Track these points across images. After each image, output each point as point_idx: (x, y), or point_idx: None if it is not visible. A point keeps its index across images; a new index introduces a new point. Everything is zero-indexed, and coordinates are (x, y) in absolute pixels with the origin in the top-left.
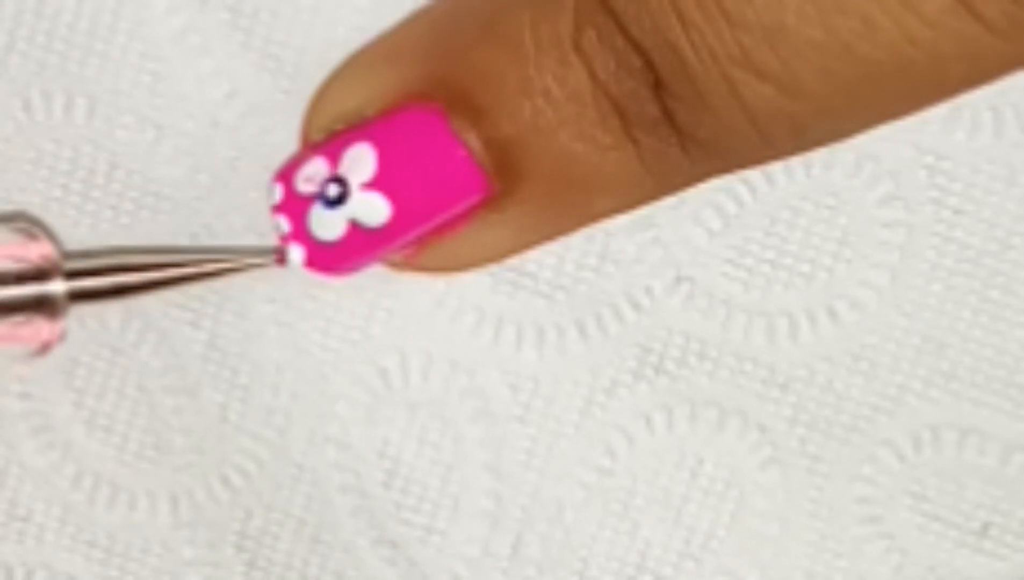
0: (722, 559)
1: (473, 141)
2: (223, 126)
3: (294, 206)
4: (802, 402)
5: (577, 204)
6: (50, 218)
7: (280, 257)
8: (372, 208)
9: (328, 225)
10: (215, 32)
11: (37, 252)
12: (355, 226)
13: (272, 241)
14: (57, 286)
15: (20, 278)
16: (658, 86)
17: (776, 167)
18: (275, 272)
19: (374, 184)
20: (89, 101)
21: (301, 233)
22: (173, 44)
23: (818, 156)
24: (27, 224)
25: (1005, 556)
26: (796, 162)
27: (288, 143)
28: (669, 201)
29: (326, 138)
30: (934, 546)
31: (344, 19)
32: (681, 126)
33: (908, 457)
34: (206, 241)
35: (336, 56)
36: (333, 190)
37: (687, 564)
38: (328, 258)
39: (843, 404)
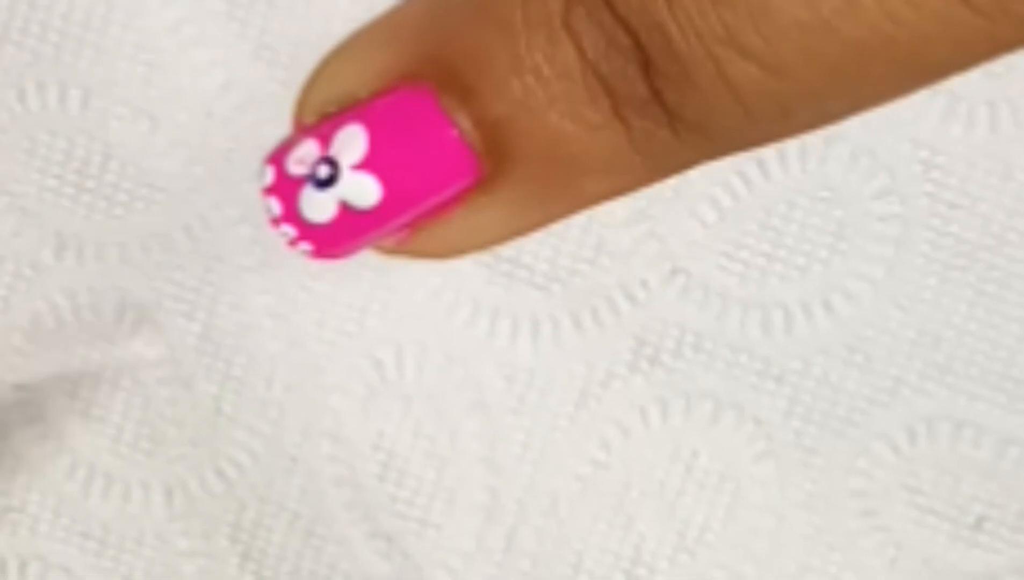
0: (717, 552)
1: (463, 121)
2: (218, 117)
3: (285, 188)
4: (797, 395)
5: (567, 186)
6: (44, 210)
7: None
8: (362, 189)
9: (319, 207)
10: (210, 23)
11: None
12: (346, 208)
13: (267, 231)
14: None
15: None
16: (647, 65)
17: (771, 159)
18: (269, 263)
19: (364, 165)
20: (83, 92)
21: (292, 215)
22: (168, 35)
23: (813, 149)
24: None
25: (1000, 550)
26: (791, 155)
27: (284, 134)
28: (664, 193)
29: (318, 120)
30: (929, 539)
31: (340, 10)
32: (670, 106)
33: (903, 450)
34: (201, 233)
35: (331, 46)
36: (323, 171)
37: (682, 557)
38: (319, 241)
39: (838, 397)
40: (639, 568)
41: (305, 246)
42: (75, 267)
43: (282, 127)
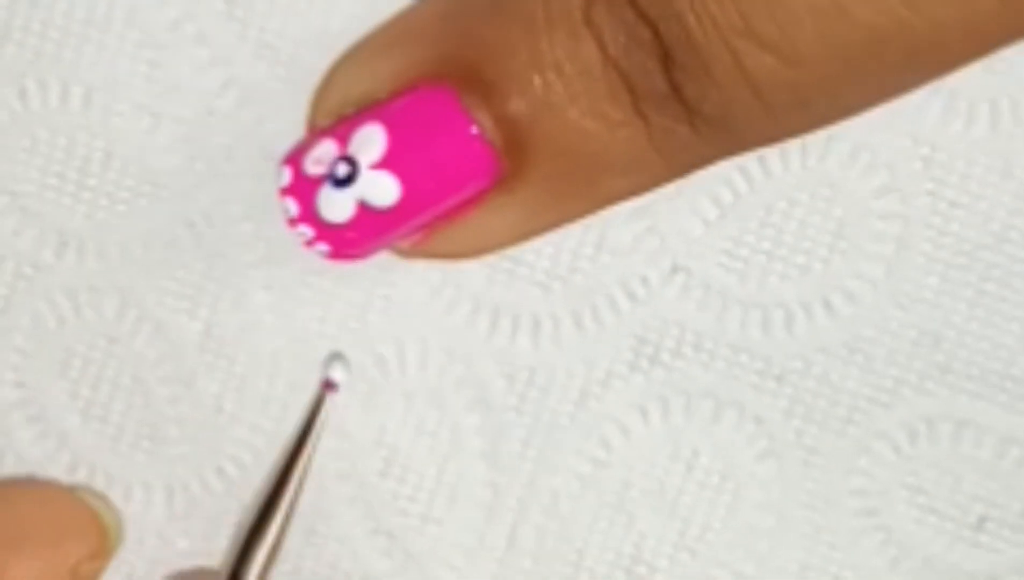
0: (717, 551)
1: (484, 118)
2: (219, 114)
3: (303, 188)
4: (798, 394)
5: (586, 184)
6: (45, 209)
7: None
8: (381, 188)
9: (337, 206)
10: (211, 21)
11: None
12: (364, 207)
13: (269, 228)
14: None
15: None
16: (666, 60)
17: (773, 157)
18: (272, 260)
19: (383, 163)
20: (85, 90)
21: (309, 215)
22: (169, 32)
23: (814, 146)
24: None
25: (1001, 549)
26: (792, 152)
27: (285, 131)
28: (665, 191)
29: (336, 121)
30: (930, 539)
31: (340, 7)
32: (689, 101)
33: (904, 449)
34: (203, 229)
35: (332, 44)
36: (342, 169)
37: (682, 556)
38: (337, 241)
39: (839, 396)
40: (640, 566)
41: (322, 247)
42: (76, 266)
43: (283, 124)
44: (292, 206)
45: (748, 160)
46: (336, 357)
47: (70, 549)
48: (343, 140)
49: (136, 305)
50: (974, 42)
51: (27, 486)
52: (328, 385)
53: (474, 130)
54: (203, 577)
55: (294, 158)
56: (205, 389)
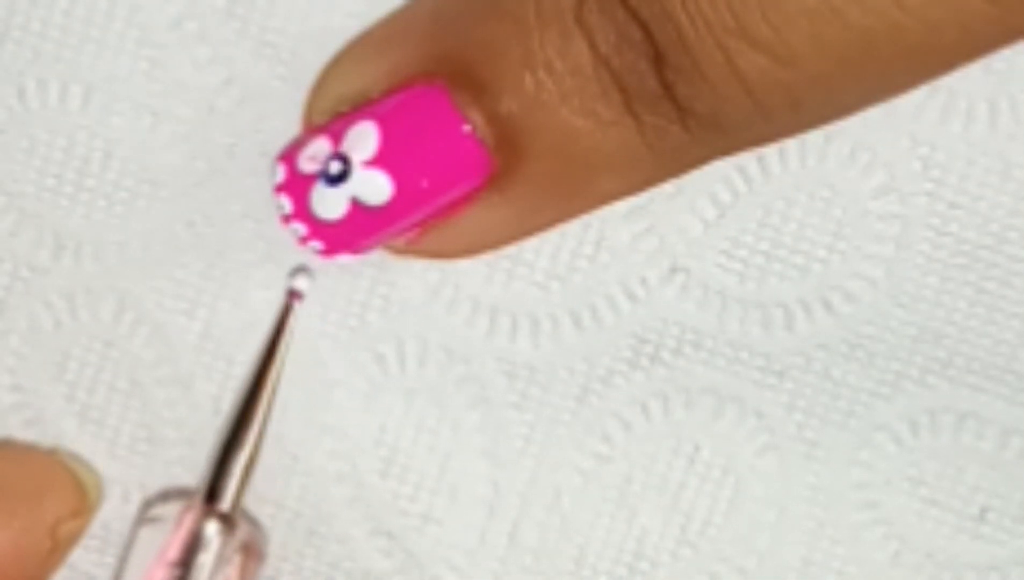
0: (719, 546)
1: (476, 116)
2: (220, 112)
3: (296, 185)
4: (799, 388)
5: (578, 184)
6: (42, 209)
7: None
8: (374, 185)
9: (330, 203)
10: (211, 19)
11: (188, 521)
12: (357, 204)
13: (269, 227)
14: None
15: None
16: (658, 59)
17: (771, 157)
18: (272, 258)
19: (376, 161)
20: (85, 88)
21: (303, 212)
22: (169, 31)
23: (813, 146)
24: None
25: (1003, 541)
26: (791, 152)
27: (285, 129)
28: (664, 190)
29: (330, 119)
30: (932, 531)
31: (341, 5)
32: (680, 100)
33: (906, 441)
34: (203, 229)
35: (333, 42)
36: (335, 167)
37: (684, 551)
38: (330, 239)
39: (840, 390)
40: (642, 562)
41: (316, 244)
42: (73, 268)
43: (284, 122)
44: (286, 203)
45: (747, 160)
46: (301, 268)
47: (49, 508)
48: (336, 137)
49: (134, 306)
50: (967, 43)
51: (2, 447)
52: (293, 294)
53: (466, 129)
54: (182, 496)
55: (288, 155)
56: (203, 391)
